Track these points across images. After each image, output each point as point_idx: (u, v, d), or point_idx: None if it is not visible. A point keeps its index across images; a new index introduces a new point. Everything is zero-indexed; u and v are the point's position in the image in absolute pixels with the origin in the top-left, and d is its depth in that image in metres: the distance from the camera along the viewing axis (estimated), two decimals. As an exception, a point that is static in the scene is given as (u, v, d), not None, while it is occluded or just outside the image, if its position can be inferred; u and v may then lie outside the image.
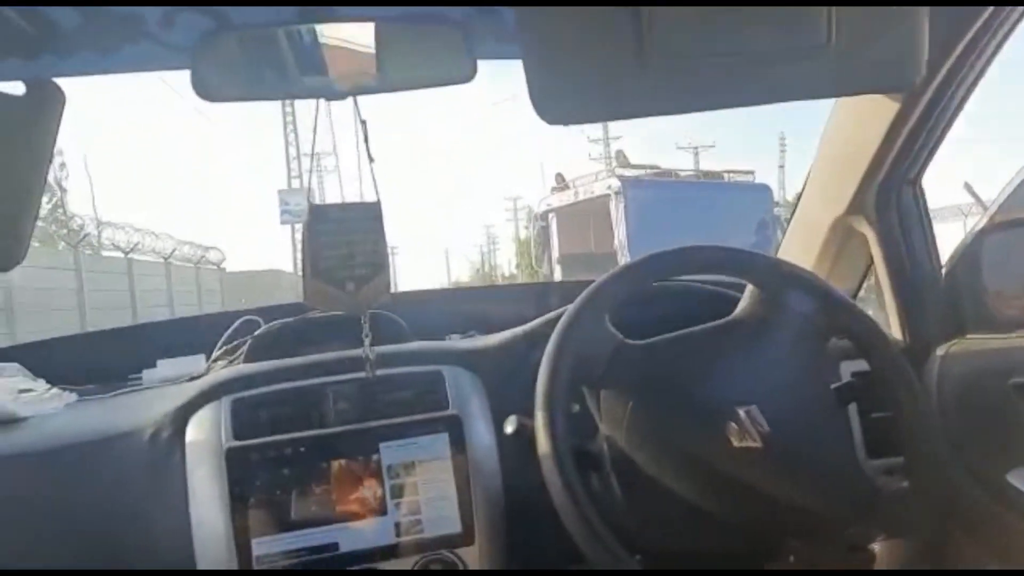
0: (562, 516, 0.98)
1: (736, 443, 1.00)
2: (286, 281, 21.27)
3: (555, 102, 0.92)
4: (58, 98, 0.99)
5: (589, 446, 1.10)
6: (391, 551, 1.14)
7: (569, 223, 8.98)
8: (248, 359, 1.39)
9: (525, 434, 1.13)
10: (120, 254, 12.78)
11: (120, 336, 1.76)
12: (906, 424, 1.06)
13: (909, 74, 0.91)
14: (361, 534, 1.14)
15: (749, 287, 1.12)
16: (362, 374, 1.22)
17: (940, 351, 1.33)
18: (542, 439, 1.00)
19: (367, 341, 1.14)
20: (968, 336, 1.33)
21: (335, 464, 1.16)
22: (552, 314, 1.34)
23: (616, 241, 8.10)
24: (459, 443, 1.19)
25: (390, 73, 1.06)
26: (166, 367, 1.52)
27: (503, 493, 1.20)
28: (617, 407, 1.05)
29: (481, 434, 1.21)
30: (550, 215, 8.99)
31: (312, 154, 1.02)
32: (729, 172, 9.00)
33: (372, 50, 1.03)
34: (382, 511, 1.15)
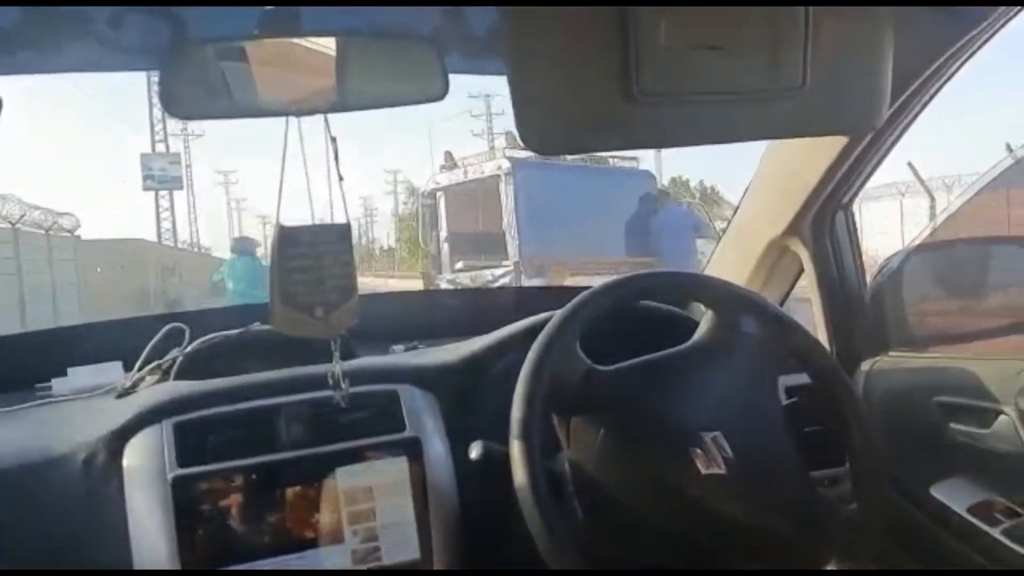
0: (540, 547, 0.98)
1: (703, 470, 1.03)
2: (150, 252, 20.21)
3: (542, 132, 0.91)
4: None
5: (551, 467, 1.10)
6: None
7: (457, 202, 8.91)
8: (180, 375, 1.31)
9: (493, 460, 1.12)
10: (-42, 219, 11.70)
11: (20, 341, 1.63)
12: (854, 446, 1.12)
13: (873, 118, 0.95)
14: (317, 563, 1.11)
15: (708, 312, 1.15)
16: (313, 394, 1.18)
17: (865, 367, 1.41)
18: (519, 469, 1.00)
19: (338, 367, 1.10)
20: (891, 353, 1.42)
21: (289, 491, 1.11)
22: (502, 335, 1.33)
23: (505, 222, 8.13)
24: (417, 466, 1.16)
25: (362, 90, 1.02)
26: (79, 376, 1.42)
27: (460, 518, 1.19)
28: (588, 433, 1.05)
29: (439, 457, 1.19)
30: (438, 193, 8.90)
31: (282, 174, 0.96)
32: (614, 157, 9.19)
33: (344, 67, 0.98)
34: (339, 539, 1.12)
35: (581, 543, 1.01)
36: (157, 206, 25.46)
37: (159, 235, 24.80)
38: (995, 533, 1.15)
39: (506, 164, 8.26)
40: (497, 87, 26.50)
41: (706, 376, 1.10)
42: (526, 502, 1.00)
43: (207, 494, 1.08)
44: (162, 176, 23.49)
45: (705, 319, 1.15)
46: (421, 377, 1.26)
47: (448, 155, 9.20)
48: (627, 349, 1.13)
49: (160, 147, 25.68)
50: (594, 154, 9.46)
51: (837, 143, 1.24)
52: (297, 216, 1.03)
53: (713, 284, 1.17)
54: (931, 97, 1.18)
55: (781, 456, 1.09)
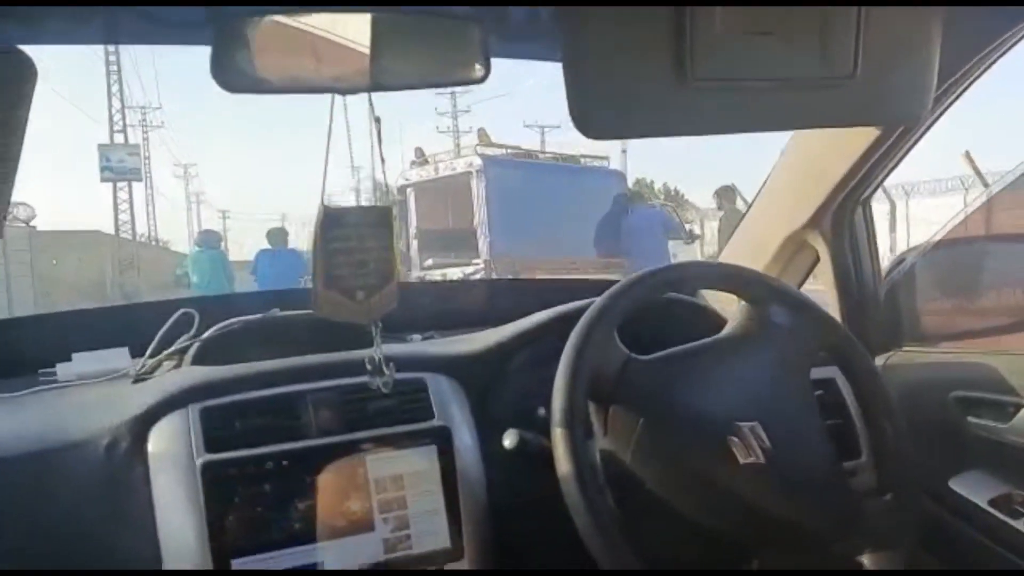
0: (586, 540, 0.97)
1: (742, 460, 1.03)
2: (107, 244, 19.81)
3: (595, 116, 0.91)
4: (28, 68, 0.87)
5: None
6: (379, 569, 1.09)
7: (427, 199, 8.84)
8: (197, 361, 1.28)
9: (528, 449, 1.11)
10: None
11: (19, 325, 1.57)
12: (886, 438, 1.13)
13: (919, 109, 0.97)
14: (348, 552, 1.09)
15: (741, 303, 1.15)
16: (343, 380, 1.16)
17: (879, 361, 1.42)
18: (564, 460, 0.99)
19: (379, 352, 1.07)
20: (904, 348, 1.43)
21: (319, 478, 1.09)
22: (525, 325, 1.32)
23: (476, 220, 8.09)
24: (447, 455, 1.15)
25: (405, 70, 1.00)
26: (85, 361, 1.37)
27: (490, 506, 1.17)
28: (627, 423, 1.04)
29: (468, 445, 1.18)
30: (408, 190, 8.83)
31: (326, 154, 0.95)
32: (585, 156, 9.22)
33: (387, 45, 0.97)
34: (369, 527, 1.10)
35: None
36: (115, 198, 24.94)
37: (117, 227, 24.28)
38: (1019, 526, 1.17)
39: (478, 161, 8.22)
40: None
41: (742, 366, 1.10)
42: (571, 493, 0.98)
43: (237, 481, 1.06)
44: (120, 167, 23.04)
45: (739, 310, 1.15)
46: (447, 365, 1.24)
47: (419, 151, 9.14)
48: (655, 340, 1.12)
49: (119, 138, 25.20)
50: (566, 153, 9.53)
51: (865, 137, 1.25)
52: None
53: (748, 275, 1.17)
54: (959, 95, 1.19)
55: (816, 448, 1.10)
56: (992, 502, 1.22)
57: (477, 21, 0.99)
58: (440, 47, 1.01)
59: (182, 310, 1.36)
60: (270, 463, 1.07)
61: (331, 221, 0.95)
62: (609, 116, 0.92)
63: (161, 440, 1.08)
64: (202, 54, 0.88)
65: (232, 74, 0.85)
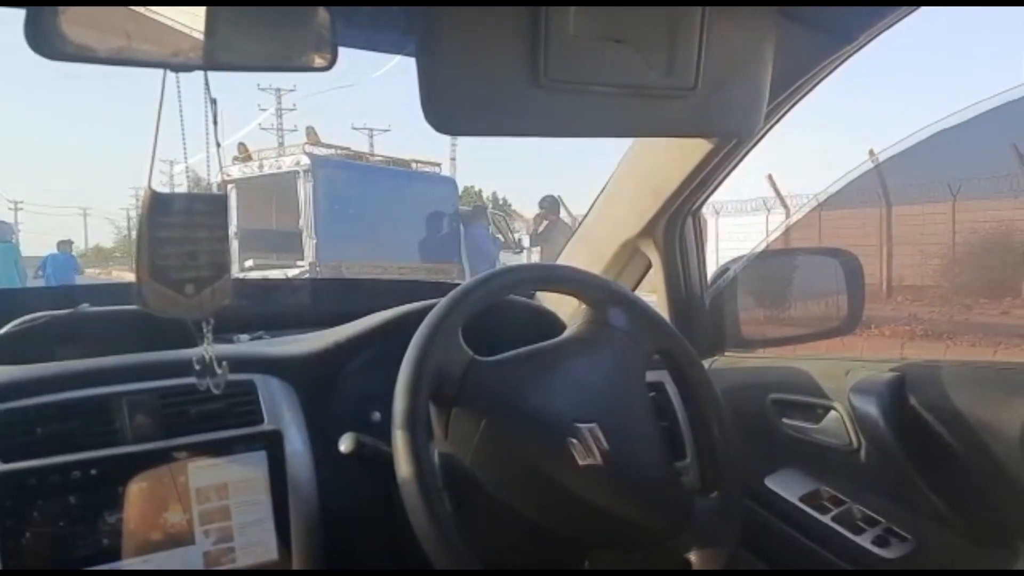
0: (423, 541, 0.95)
1: (580, 461, 1.04)
2: None
3: (447, 112, 0.90)
4: None
5: None
6: None
7: (250, 197, 8.43)
8: None
9: (365, 453, 1.07)
10: None
11: None
12: (713, 439, 1.17)
13: (753, 122, 1.03)
14: (164, 567, 1.00)
15: (582, 306, 1.16)
16: (162, 382, 1.07)
17: (704, 365, 1.49)
18: (403, 460, 0.95)
19: (209, 351, 0.99)
20: (726, 353, 1.51)
21: (133, 488, 1.00)
22: (361, 327, 1.27)
23: (302, 220, 7.83)
24: (277, 461, 1.09)
25: (246, 50, 0.93)
26: None
27: (321, 515, 1.12)
28: (469, 426, 1.03)
29: (299, 450, 1.12)
30: (229, 186, 8.39)
31: (157, 130, 0.87)
32: (417, 162, 9.16)
33: (229, 24, 0.90)
34: (189, 540, 1.02)
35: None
36: None
37: None
38: (826, 520, 1.26)
39: (305, 160, 7.96)
40: (288, 82, 25.49)
41: (583, 368, 1.11)
42: (410, 496, 0.95)
43: (36, 493, 0.95)
44: None
45: (580, 312, 1.17)
46: (279, 367, 1.18)
47: (242, 147, 8.77)
48: (495, 343, 1.12)
49: None
50: (398, 157, 9.45)
51: (699, 149, 1.31)
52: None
53: (589, 278, 1.19)
54: (784, 114, 1.27)
55: (650, 448, 1.12)
56: (803, 498, 1.31)
57: (326, 6, 0.95)
58: (285, 29, 0.95)
59: None
60: (76, 472, 0.97)
61: (159, 206, 0.87)
62: (461, 112, 0.91)
63: None
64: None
65: (50, 38, 0.76)
